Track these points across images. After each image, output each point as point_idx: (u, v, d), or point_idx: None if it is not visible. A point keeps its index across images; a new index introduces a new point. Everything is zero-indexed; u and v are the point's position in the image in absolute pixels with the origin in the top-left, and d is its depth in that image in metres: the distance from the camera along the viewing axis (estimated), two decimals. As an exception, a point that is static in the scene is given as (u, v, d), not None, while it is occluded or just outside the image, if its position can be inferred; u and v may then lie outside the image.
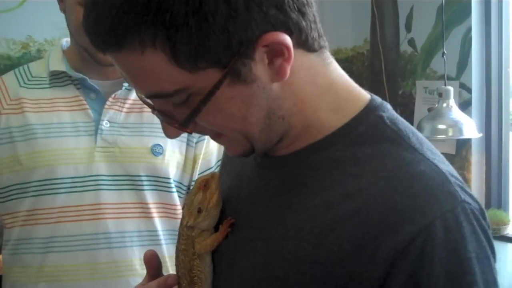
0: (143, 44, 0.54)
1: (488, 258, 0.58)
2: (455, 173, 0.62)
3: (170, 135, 0.63)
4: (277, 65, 0.57)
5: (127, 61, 0.57)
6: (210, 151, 1.23)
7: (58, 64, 1.16)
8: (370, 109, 0.64)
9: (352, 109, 0.64)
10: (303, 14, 0.58)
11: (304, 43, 0.60)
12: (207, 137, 1.19)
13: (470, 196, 0.60)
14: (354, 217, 0.57)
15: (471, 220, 0.57)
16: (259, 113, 0.60)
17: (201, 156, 1.21)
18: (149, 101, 0.62)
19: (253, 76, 0.57)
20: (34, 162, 1.11)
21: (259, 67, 0.57)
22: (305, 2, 0.58)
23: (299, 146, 0.65)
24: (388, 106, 0.67)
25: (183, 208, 1.18)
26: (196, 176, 1.21)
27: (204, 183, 0.69)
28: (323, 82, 0.63)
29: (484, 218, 0.60)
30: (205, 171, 1.22)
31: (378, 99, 0.67)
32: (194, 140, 1.21)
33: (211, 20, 0.53)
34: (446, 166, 0.61)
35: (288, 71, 0.58)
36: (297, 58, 0.59)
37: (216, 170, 1.23)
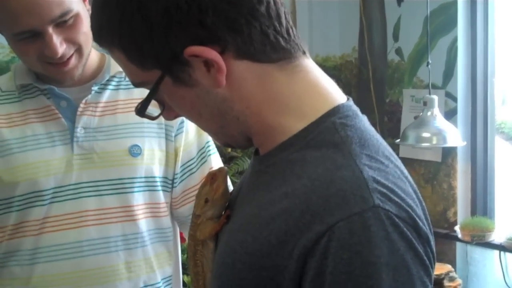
0: (111, 43, 0.68)
1: (407, 268, 0.59)
2: (390, 181, 0.62)
3: (168, 118, 0.75)
4: (212, 74, 0.65)
5: (109, 52, 0.70)
6: (190, 142, 1.23)
7: (25, 77, 1.15)
8: (329, 115, 0.68)
9: (314, 115, 0.68)
10: (237, 31, 0.64)
11: (249, 56, 0.66)
12: (185, 130, 1.21)
13: (396, 204, 0.60)
14: (283, 214, 0.63)
15: (384, 226, 0.58)
16: (211, 112, 0.69)
17: (181, 148, 1.21)
18: None
19: (194, 81, 0.66)
20: (15, 177, 1.11)
21: (199, 74, 0.66)
22: (243, 22, 0.64)
23: (271, 147, 0.70)
24: (351, 113, 0.69)
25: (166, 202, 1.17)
26: (178, 169, 1.21)
27: (211, 176, 0.77)
28: (283, 89, 0.68)
29: (414, 226, 0.60)
30: (187, 162, 1.22)
31: (346, 106, 0.69)
32: (173, 134, 1.20)
33: (138, 32, 0.65)
34: (377, 173, 0.62)
35: (222, 80, 0.65)
36: (243, 68, 0.66)
37: (199, 160, 1.24)
